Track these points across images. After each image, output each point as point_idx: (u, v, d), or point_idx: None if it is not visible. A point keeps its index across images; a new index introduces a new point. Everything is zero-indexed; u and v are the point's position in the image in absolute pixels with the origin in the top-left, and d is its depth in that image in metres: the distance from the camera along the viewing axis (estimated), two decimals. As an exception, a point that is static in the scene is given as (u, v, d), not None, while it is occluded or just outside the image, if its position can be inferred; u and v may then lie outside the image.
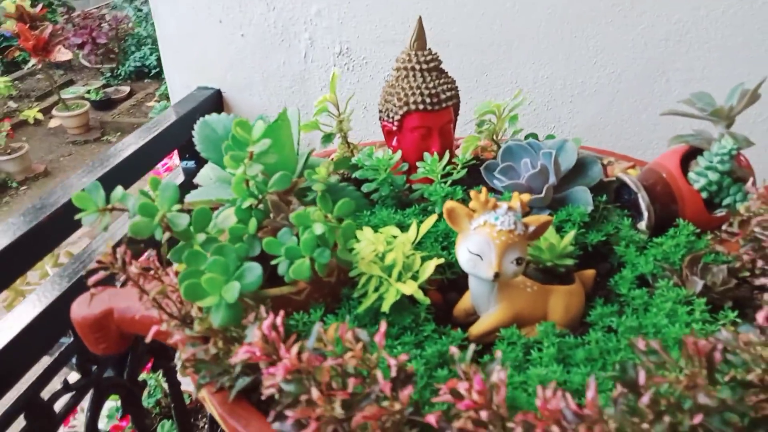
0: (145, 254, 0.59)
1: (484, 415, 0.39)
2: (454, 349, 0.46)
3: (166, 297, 0.54)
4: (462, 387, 0.41)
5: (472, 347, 0.44)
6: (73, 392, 1.01)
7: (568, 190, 0.74)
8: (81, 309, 0.63)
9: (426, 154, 0.76)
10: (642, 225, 0.72)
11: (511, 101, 0.88)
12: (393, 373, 0.43)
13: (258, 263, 0.57)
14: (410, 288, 0.56)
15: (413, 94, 0.79)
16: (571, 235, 0.65)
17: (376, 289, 0.58)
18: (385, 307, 0.56)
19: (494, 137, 0.90)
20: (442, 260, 0.60)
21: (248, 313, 0.57)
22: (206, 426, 1.71)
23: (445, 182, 0.75)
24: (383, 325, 0.46)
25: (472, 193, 0.58)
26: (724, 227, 0.64)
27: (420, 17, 0.80)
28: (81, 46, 6.11)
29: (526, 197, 0.59)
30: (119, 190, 0.55)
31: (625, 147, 1.20)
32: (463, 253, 0.58)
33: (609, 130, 1.21)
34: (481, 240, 0.57)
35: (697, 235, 0.69)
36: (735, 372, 0.42)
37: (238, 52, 1.32)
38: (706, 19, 1.06)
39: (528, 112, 1.23)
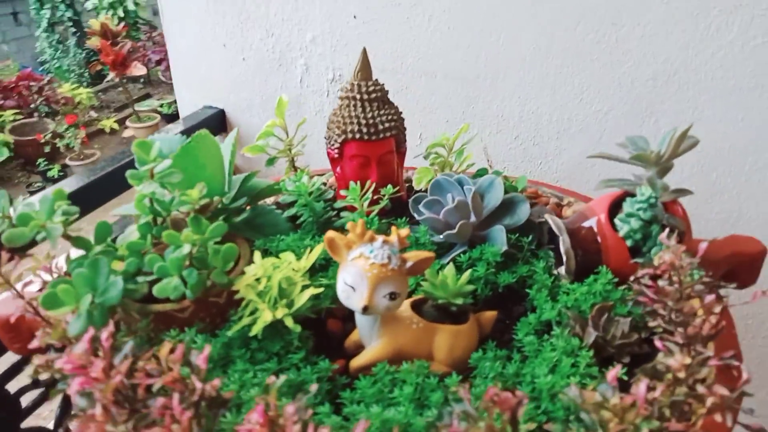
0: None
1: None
2: (271, 379, 0.46)
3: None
4: (253, 418, 0.41)
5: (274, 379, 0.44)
6: (42, 389, 1.06)
7: (490, 228, 0.72)
8: (-4, 309, 0.68)
9: (351, 183, 0.76)
10: (561, 270, 0.69)
11: (464, 135, 0.87)
12: (195, 397, 0.44)
13: (142, 279, 0.59)
14: (278, 314, 0.56)
15: (351, 122, 0.80)
16: (467, 274, 0.63)
17: (253, 313, 0.59)
18: (254, 331, 0.57)
19: (445, 170, 0.89)
20: (320, 290, 0.60)
21: (133, 323, 0.59)
22: None
23: (370, 212, 0.75)
24: (207, 349, 0.47)
25: (349, 224, 0.57)
26: (631, 278, 0.61)
27: (364, 49, 0.82)
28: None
29: (404, 232, 0.58)
30: (5, 196, 0.59)
31: (614, 188, 1.15)
32: (339, 284, 0.58)
33: (596, 169, 1.16)
34: (355, 272, 0.56)
35: (618, 284, 0.66)
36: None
37: (240, 74, 1.38)
38: (695, 59, 1.01)
39: (514, 146, 1.21)
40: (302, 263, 0.63)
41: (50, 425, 1.08)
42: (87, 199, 1.09)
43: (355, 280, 0.56)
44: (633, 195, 0.71)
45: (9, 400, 1.00)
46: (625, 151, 0.70)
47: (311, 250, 0.65)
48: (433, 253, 0.58)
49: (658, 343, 0.53)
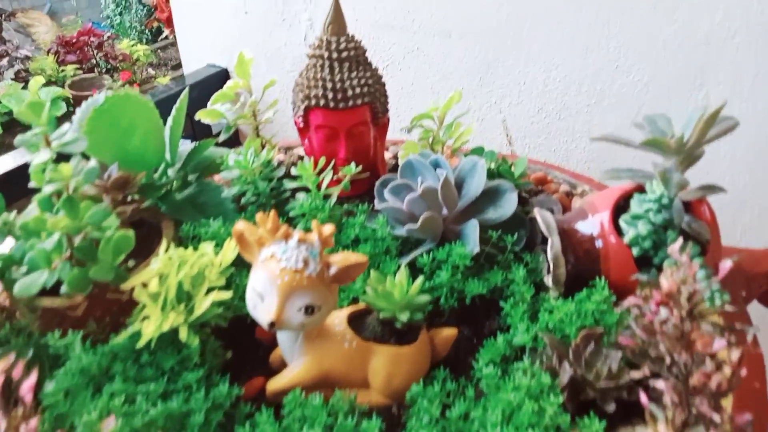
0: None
1: None
2: (107, 424, 0.36)
3: None
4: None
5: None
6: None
7: (465, 223, 0.59)
8: None
9: (304, 159, 0.64)
10: (548, 279, 0.55)
11: (454, 107, 0.73)
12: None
13: (18, 263, 0.49)
14: (167, 323, 0.46)
15: (315, 86, 0.67)
16: (417, 282, 0.51)
17: (145, 319, 0.48)
18: (141, 342, 0.46)
19: (435, 147, 0.75)
20: (228, 294, 0.49)
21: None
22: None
23: (330, 195, 0.63)
24: (33, 377, 0.37)
25: (259, 215, 0.46)
26: (627, 303, 0.46)
27: (335, -3, 0.68)
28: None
29: (328, 229, 0.46)
30: None
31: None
32: (248, 290, 0.46)
33: (631, 151, 0.99)
34: (264, 277, 0.45)
35: (617, 303, 0.52)
36: None
37: (242, 31, 1.27)
38: (761, 16, 0.82)
39: (537, 120, 1.05)
40: (219, 258, 0.52)
41: None
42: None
43: (264, 287, 0.45)
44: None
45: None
46: (642, 132, 0.54)
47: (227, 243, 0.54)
48: (365, 256, 0.46)
49: (643, 399, 0.40)
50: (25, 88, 5.45)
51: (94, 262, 0.48)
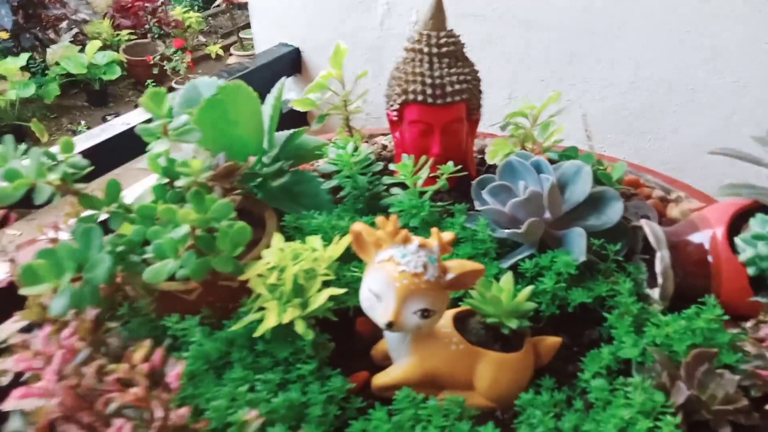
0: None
1: None
2: (252, 414, 0.37)
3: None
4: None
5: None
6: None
7: (568, 229, 0.58)
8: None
9: (404, 156, 0.64)
10: (654, 293, 0.54)
11: (551, 105, 0.72)
12: (152, 428, 0.36)
13: (138, 247, 0.52)
14: (289, 315, 0.47)
15: (414, 81, 0.67)
16: (527, 290, 0.51)
17: (261, 309, 0.50)
18: (258, 332, 0.48)
19: (526, 144, 0.74)
20: (343, 291, 0.50)
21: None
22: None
23: (425, 192, 0.63)
24: (179, 366, 0.38)
25: (379, 218, 0.46)
26: (749, 323, 0.46)
27: (440, -10, 0.67)
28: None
29: (448, 236, 0.46)
30: (21, 148, 0.52)
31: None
32: (363, 290, 0.47)
33: (720, 159, 0.96)
34: (381, 278, 0.46)
35: (728, 323, 0.51)
36: None
37: (318, 12, 1.26)
38: None
39: (620, 118, 1.02)
40: (329, 252, 0.53)
41: None
42: (116, 151, 1.01)
43: (381, 288, 0.46)
44: (765, 208, 0.54)
45: None
46: (764, 149, 0.53)
47: (342, 237, 0.55)
48: (482, 266, 0.46)
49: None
50: (82, 51, 5.52)
51: (213, 253, 0.49)
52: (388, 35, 1.21)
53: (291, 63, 1.35)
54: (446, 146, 0.69)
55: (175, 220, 0.47)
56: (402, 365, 0.50)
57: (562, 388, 0.50)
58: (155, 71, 5.65)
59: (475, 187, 0.63)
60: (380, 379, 0.51)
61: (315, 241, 0.54)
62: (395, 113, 0.70)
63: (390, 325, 0.45)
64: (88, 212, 0.55)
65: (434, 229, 0.46)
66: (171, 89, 5.51)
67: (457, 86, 0.67)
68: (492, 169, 0.72)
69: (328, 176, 0.67)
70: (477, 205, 0.61)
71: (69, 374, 0.37)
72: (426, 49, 0.67)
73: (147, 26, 6.12)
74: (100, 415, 0.37)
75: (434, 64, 0.67)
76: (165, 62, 5.69)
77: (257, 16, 1.38)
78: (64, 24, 5.43)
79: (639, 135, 1.02)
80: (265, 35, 1.38)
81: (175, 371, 0.37)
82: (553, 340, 0.52)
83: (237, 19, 6.56)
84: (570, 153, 0.71)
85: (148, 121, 0.58)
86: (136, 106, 5.24)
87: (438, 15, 0.67)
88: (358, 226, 0.47)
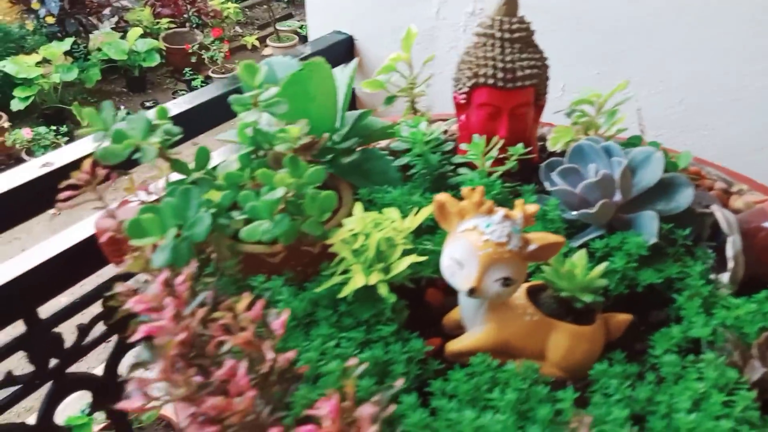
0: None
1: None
2: (352, 361, 0.40)
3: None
4: (323, 408, 0.35)
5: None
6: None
7: (638, 212, 0.60)
8: (101, 222, 0.67)
9: (474, 136, 0.66)
10: (724, 277, 0.56)
11: (617, 94, 0.73)
12: (264, 368, 0.38)
13: (236, 214, 0.54)
14: (372, 279, 0.50)
15: (485, 65, 0.69)
16: (602, 266, 0.52)
17: (345, 272, 0.52)
18: (343, 293, 0.51)
19: (589, 132, 0.75)
20: (423, 258, 0.52)
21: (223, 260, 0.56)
22: None
23: (493, 172, 0.65)
24: (285, 313, 0.41)
25: (464, 189, 0.48)
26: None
27: (515, -23, 0.69)
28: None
29: (532, 208, 0.48)
30: (122, 112, 0.55)
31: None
32: (445, 258, 0.49)
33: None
34: (464, 246, 0.48)
35: (798, 309, 0.52)
36: None
37: (372, 0, 1.29)
38: None
39: (674, 112, 1.03)
40: (406, 223, 0.55)
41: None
42: (195, 121, 1.05)
43: (463, 256, 0.48)
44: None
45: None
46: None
47: (419, 209, 0.57)
48: (563, 238, 0.48)
49: None
50: (123, 37, 5.58)
51: (302, 217, 0.52)
52: (442, 24, 1.22)
53: (344, 51, 1.37)
54: (513, 130, 0.70)
55: (271, 184, 0.50)
56: (477, 333, 0.52)
57: (632, 364, 0.51)
58: (193, 60, 5.73)
59: (543, 169, 0.65)
60: (455, 344, 0.53)
61: (392, 212, 0.57)
62: (463, 96, 0.72)
63: (472, 291, 0.47)
64: (175, 176, 0.59)
65: (519, 201, 0.48)
66: (208, 78, 5.55)
67: (527, 71, 0.68)
68: (553, 155, 0.74)
69: (396, 154, 0.70)
70: (547, 186, 0.62)
71: (184, 317, 0.39)
72: (498, 34, 0.69)
73: (186, 15, 6.22)
74: (211, 357, 0.40)
75: (506, 49, 0.69)
76: (203, 51, 5.77)
77: (312, 4, 1.40)
78: (107, 11, 5.55)
79: (692, 130, 1.02)
80: (319, 23, 1.41)
81: (281, 318, 0.40)
82: (623, 317, 0.54)
83: (274, 11, 6.62)
84: (635, 141, 0.72)
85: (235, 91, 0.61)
86: (173, 93, 5.32)
87: (511, 1, 0.69)
88: (443, 196, 0.49)
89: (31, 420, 0.95)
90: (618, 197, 0.59)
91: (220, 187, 0.58)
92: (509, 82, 0.68)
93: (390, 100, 0.77)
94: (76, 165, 0.90)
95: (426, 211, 0.55)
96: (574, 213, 0.59)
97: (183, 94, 5.19)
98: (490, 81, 0.68)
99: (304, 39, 6.25)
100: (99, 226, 0.67)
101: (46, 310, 0.92)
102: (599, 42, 1.04)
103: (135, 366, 0.38)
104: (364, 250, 0.51)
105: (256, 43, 6.22)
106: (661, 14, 0.97)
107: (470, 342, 0.52)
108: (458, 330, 0.55)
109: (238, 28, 7.02)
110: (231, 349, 0.41)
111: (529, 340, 0.51)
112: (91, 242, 0.92)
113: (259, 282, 0.53)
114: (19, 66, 4.51)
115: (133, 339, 0.37)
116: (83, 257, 0.93)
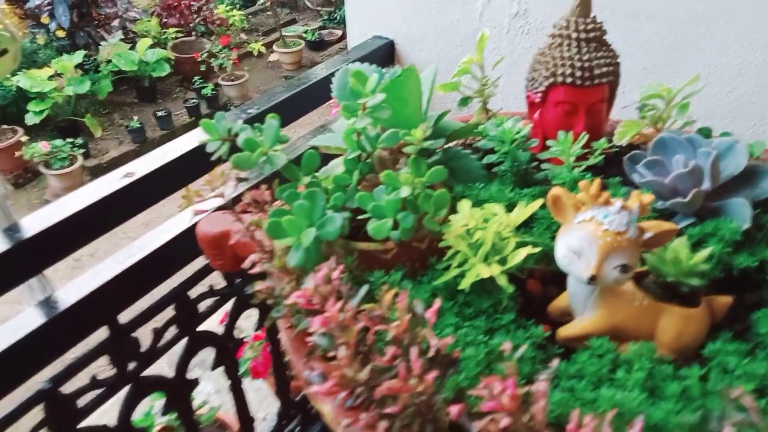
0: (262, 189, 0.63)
1: (504, 421, 0.35)
2: (507, 345, 0.43)
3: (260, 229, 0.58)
4: (497, 387, 0.38)
5: (523, 348, 0.41)
6: (217, 297, 1.12)
7: (727, 200, 0.63)
8: (204, 226, 0.70)
9: (560, 133, 0.69)
10: (814, 258, 0.59)
11: (687, 87, 0.76)
12: (431, 353, 0.41)
13: (346, 215, 0.57)
14: (492, 271, 0.53)
15: (563, 65, 0.72)
16: (706, 251, 0.55)
17: (460, 265, 0.55)
18: (463, 285, 0.54)
19: (658, 126, 0.78)
20: (537, 249, 0.55)
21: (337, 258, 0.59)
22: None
23: (578, 167, 0.68)
24: (437, 303, 0.44)
25: (582, 183, 0.51)
26: None
27: (590, -20, 0.72)
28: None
29: (647, 198, 0.51)
30: (239, 122, 0.59)
31: None
32: (561, 248, 0.52)
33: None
34: (582, 236, 0.51)
35: None
36: None
37: (413, 4, 1.32)
38: None
39: (724, 103, 1.06)
40: (513, 218, 0.58)
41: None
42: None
43: (582, 245, 0.51)
44: None
45: (189, 304, 1.07)
46: None
47: (520, 205, 0.60)
48: (675, 225, 0.51)
49: None
50: (132, 48, 5.60)
51: (417, 213, 0.55)
52: (485, 26, 1.25)
53: (385, 55, 1.40)
54: (589, 125, 0.73)
55: (394, 184, 0.53)
56: (588, 318, 0.55)
57: (741, 342, 0.54)
58: (202, 68, 5.76)
59: (627, 163, 0.68)
60: (567, 330, 0.56)
61: (495, 207, 0.60)
62: (540, 95, 0.75)
63: (592, 279, 0.50)
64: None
65: (635, 192, 0.51)
66: (218, 85, 5.56)
67: (604, 69, 0.71)
68: (625, 148, 0.77)
69: (480, 152, 0.73)
70: (636, 178, 0.65)
71: (347, 309, 0.42)
72: (574, 35, 0.72)
73: (192, 24, 6.24)
74: (368, 345, 0.43)
75: (582, 48, 0.72)
76: (212, 59, 5.79)
77: (352, 9, 1.44)
78: (115, 22, 5.58)
79: (743, 120, 1.05)
80: (360, 28, 1.44)
81: (434, 307, 0.43)
82: (725, 299, 0.57)
83: (279, 17, 6.63)
84: (705, 132, 0.75)
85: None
86: (184, 102, 5.33)
87: (584, 2, 0.72)
88: (558, 190, 0.52)
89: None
90: (707, 186, 0.62)
91: (327, 190, 0.61)
92: (587, 80, 0.71)
93: (465, 101, 0.80)
94: (158, 174, 0.94)
95: (533, 206, 0.58)
96: (668, 203, 0.62)
97: (194, 103, 5.20)
98: (569, 80, 0.71)
99: (310, 44, 6.30)
100: (201, 230, 0.71)
101: (124, 316, 0.97)
102: (649, 38, 1.07)
103: (311, 352, 0.41)
104: (481, 244, 0.54)
105: (263, 50, 6.27)
106: (718, 6, 1.00)
107: (582, 327, 0.55)
108: (564, 317, 0.58)
109: (243, 35, 7.07)
110: (382, 337, 0.44)
111: (640, 324, 0.54)
112: (164, 250, 0.96)
113: (377, 277, 0.57)
114: (32, 80, 4.55)
115: (311, 329, 0.40)
116: (159, 264, 0.97)
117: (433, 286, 0.56)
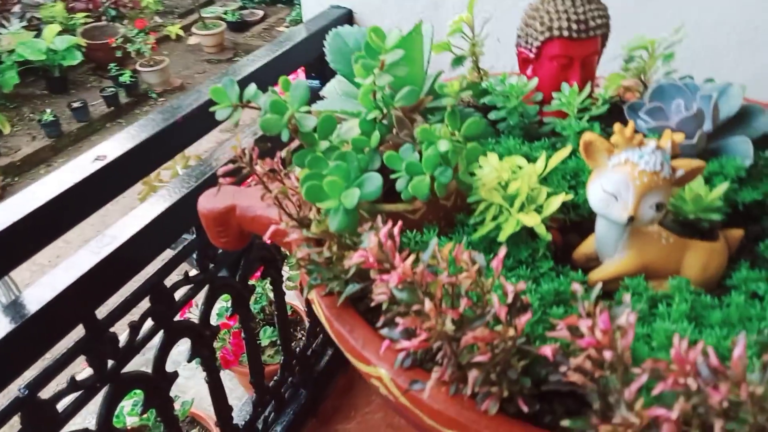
0: (276, 156, 0.60)
1: (607, 355, 0.36)
2: (577, 286, 0.43)
3: (286, 198, 0.55)
4: (584, 325, 0.38)
5: (599, 285, 0.41)
6: (191, 285, 1.07)
7: (725, 139, 0.66)
8: (207, 202, 0.66)
9: (564, 85, 0.70)
10: (809, 189, 0.63)
11: (670, 37, 0.78)
12: (509, 300, 0.41)
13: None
14: (532, 220, 0.53)
15: (558, 18, 0.73)
16: (722, 187, 0.58)
17: (495, 218, 0.55)
18: (503, 237, 0.54)
19: (641, 77, 0.81)
20: (570, 197, 0.56)
21: (363, 223, 0.57)
22: (303, 337, 1.81)
23: (582, 118, 0.69)
24: (503, 251, 0.44)
25: (616, 126, 0.52)
26: None
27: (577, -68, 0.72)
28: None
29: (679, 137, 0.53)
30: (252, 87, 0.55)
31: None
32: (596, 191, 0.53)
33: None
34: (619, 179, 0.52)
35: None
36: None
37: (373, -30, 1.29)
38: None
39: (683, 57, 1.11)
40: (539, 169, 0.58)
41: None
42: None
43: (617, 187, 0.52)
44: None
45: (166, 294, 1.01)
46: None
47: (542, 156, 0.60)
48: (703, 162, 0.53)
49: None
50: (37, 36, 5.23)
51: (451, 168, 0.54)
52: (447, -9, 1.25)
53: (343, 24, 1.37)
54: (584, 78, 0.75)
55: (430, 138, 0.51)
56: (619, 260, 0.56)
57: (754, 269, 0.57)
58: (118, 54, 5.43)
59: (628, 111, 0.70)
60: (599, 273, 0.57)
61: (517, 159, 0.60)
62: (534, 50, 0.76)
63: (631, 219, 0.51)
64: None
65: (667, 131, 0.52)
66: (136, 72, 5.26)
67: (598, 20, 0.73)
68: (619, 98, 0.79)
69: (486, 110, 0.72)
70: (641, 125, 0.67)
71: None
72: (567, -11, 0.73)
73: (101, 9, 5.86)
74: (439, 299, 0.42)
75: (576, 2, 0.73)
76: (128, 45, 5.47)
77: (305, -22, 1.39)
78: (16, 8, 5.14)
79: (701, 72, 1.10)
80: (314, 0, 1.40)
81: (499, 257, 0.43)
82: (737, 232, 0.60)
83: (196, -2, 6.29)
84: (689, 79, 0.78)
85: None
86: (101, 91, 5.01)
87: (575, -44, 0.73)
88: (591, 135, 0.53)
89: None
90: (708, 127, 0.65)
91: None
92: (583, 32, 0.72)
93: (458, 61, 0.80)
94: (130, 156, 0.88)
95: (559, 156, 0.59)
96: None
97: (111, 92, 4.90)
98: (566, 33, 0.72)
99: (231, 25, 6.08)
100: (204, 206, 0.67)
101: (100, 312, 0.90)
102: None
103: (392, 310, 0.40)
104: (515, 195, 0.54)
105: (181, 33, 5.99)
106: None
107: (614, 269, 0.56)
108: (590, 263, 0.60)
109: (157, 18, 6.72)
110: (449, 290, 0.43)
111: (668, 261, 0.56)
112: (138, 237, 0.91)
113: (411, 236, 0.55)
114: None
115: (391, 283, 0.39)
116: (135, 253, 0.91)
117: (470, 240, 0.55)
